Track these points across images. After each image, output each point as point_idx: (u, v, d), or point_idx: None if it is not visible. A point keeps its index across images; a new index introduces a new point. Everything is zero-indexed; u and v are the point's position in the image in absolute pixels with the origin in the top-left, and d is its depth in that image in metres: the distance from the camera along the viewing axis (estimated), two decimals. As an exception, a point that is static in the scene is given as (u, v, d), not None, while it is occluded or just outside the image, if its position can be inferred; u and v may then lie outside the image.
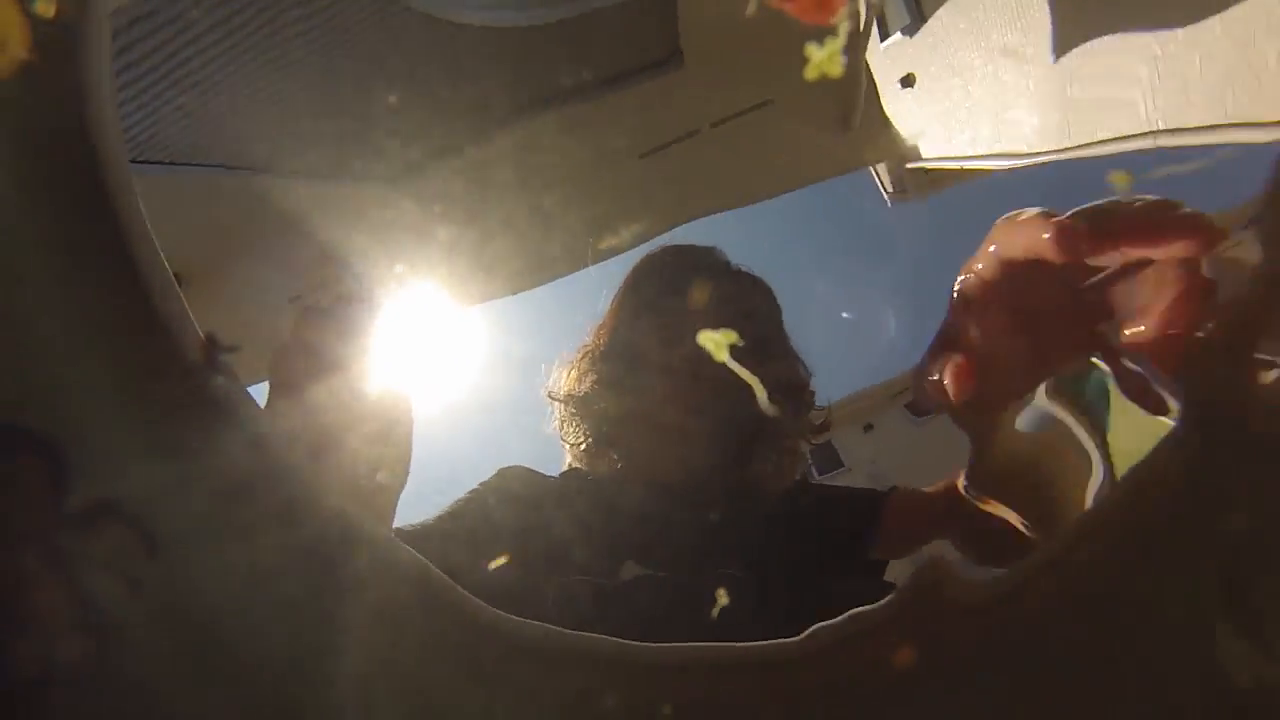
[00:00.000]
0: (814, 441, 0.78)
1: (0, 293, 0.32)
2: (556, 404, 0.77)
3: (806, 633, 0.36)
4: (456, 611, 0.34)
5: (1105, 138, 4.02)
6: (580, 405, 0.74)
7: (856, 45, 5.16)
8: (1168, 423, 0.36)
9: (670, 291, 0.76)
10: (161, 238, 0.35)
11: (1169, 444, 0.34)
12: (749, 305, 0.79)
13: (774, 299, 0.82)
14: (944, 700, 0.34)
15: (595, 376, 0.75)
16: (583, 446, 0.72)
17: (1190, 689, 0.33)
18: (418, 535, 0.64)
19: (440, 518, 0.67)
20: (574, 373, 0.78)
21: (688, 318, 0.73)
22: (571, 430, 0.74)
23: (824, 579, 0.58)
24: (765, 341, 0.77)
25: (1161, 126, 3.56)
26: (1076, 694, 0.34)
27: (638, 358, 0.74)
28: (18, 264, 0.33)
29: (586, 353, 0.79)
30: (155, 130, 2.95)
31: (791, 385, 0.76)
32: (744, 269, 0.82)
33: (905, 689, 0.34)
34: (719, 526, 0.64)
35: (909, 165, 6.44)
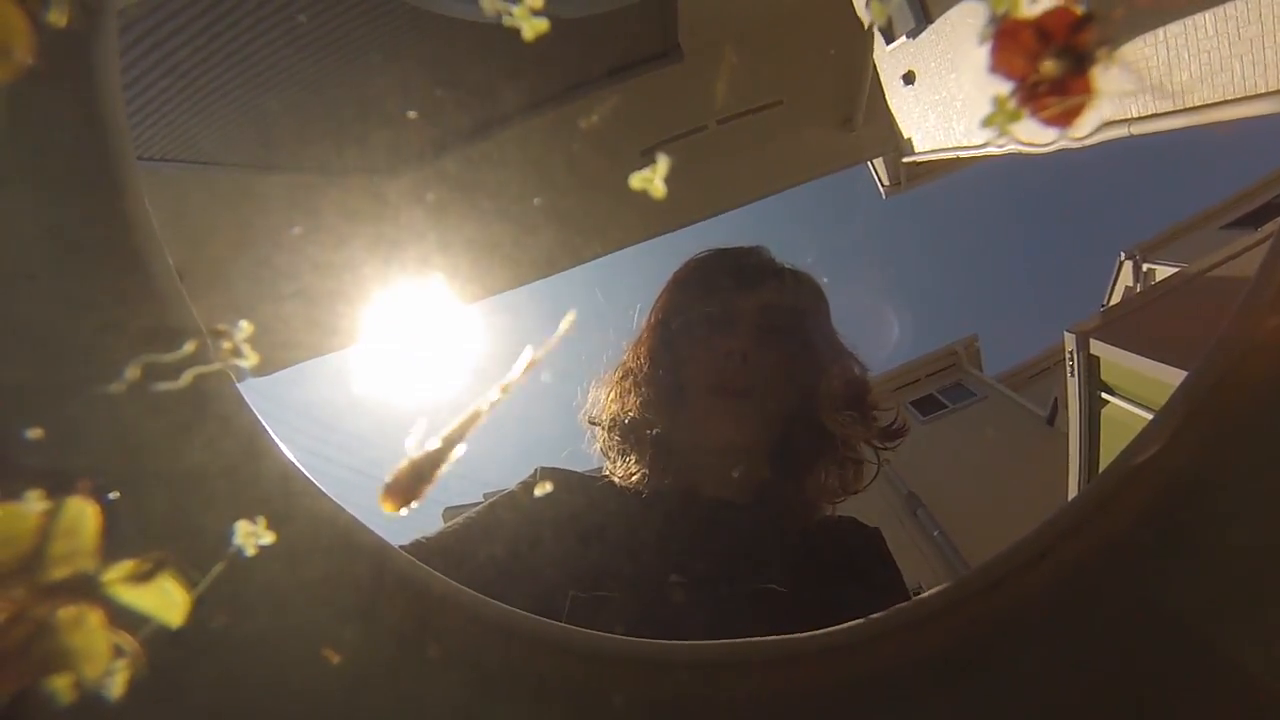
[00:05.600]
0: (884, 448, 0.70)
1: (10, 288, 0.33)
2: (598, 429, 0.72)
3: (860, 621, 0.37)
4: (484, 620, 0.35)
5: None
6: (628, 432, 0.69)
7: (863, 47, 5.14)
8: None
9: (714, 303, 0.70)
10: (164, 233, 0.36)
11: (1147, 438, 0.35)
12: (799, 306, 0.73)
13: (822, 295, 0.75)
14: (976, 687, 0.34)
15: (641, 399, 0.69)
16: (634, 475, 0.67)
17: (1184, 678, 0.33)
18: (448, 538, 0.62)
19: (477, 517, 0.65)
20: (614, 393, 0.72)
21: (737, 329, 0.68)
22: (618, 456, 0.69)
23: (858, 597, 0.56)
24: (816, 342, 0.72)
25: (1135, 115, 3.59)
26: (1069, 690, 0.34)
27: (686, 377, 0.69)
28: (27, 260, 0.33)
29: (628, 372, 0.72)
30: (160, 129, 2.94)
31: (849, 389, 0.69)
32: (790, 266, 0.75)
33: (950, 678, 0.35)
34: (763, 541, 0.62)
35: (906, 159, 6.45)
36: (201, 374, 0.33)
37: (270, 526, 0.32)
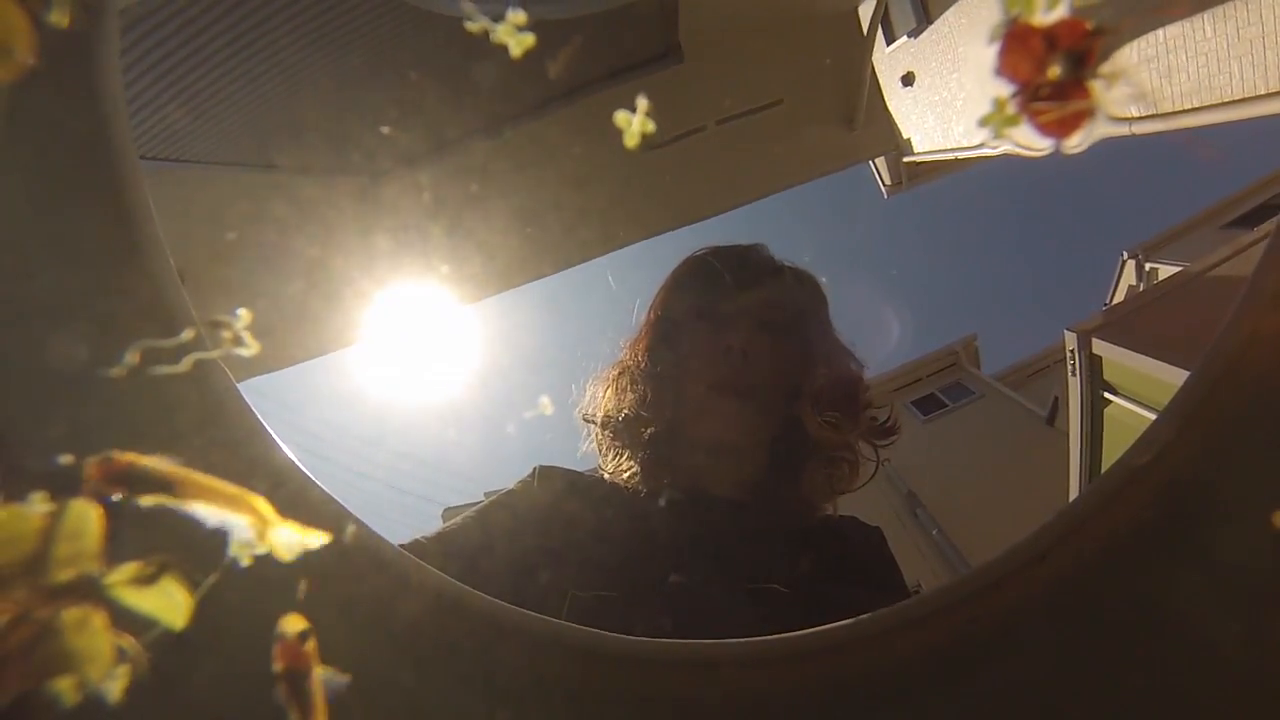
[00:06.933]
0: (878, 444, 0.70)
1: (11, 287, 0.33)
2: (594, 427, 0.71)
3: (863, 617, 0.37)
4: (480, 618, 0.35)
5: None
6: (624, 429, 0.68)
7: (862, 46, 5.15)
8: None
9: (714, 301, 0.71)
10: (165, 233, 0.36)
11: (1149, 439, 0.35)
12: (798, 304, 0.73)
13: (821, 293, 0.75)
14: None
15: (638, 396, 0.69)
16: (627, 473, 0.66)
17: (1185, 678, 0.33)
18: (448, 538, 0.62)
19: (476, 516, 0.64)
20: (611, 391, 0.72)
21: (736, 327, 0.69)
22: (614, 453, 0.69)
23: (859, 597, 0.56)
24: (814, 341, 0.72)
25: (1136, 114, 3.59)
26: (1069, 690, 0.34)
27: (685, 375, 0.69)
28: (29, 260, 0.33)
29: (625, 369, 0.72)
30: (162, 128, 2.94)
31: (842, 388, 0.69)
32: (789, 264, 0.75)
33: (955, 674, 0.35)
34: (762, 540, 0.62)
35: (906, 159, 6.46)
36: (202, 369, 0.33)
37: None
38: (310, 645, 0.31)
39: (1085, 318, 4.64)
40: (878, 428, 0.71)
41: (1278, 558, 0.33)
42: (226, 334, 0.32)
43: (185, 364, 0.32)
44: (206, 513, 0.28)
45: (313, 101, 3.42)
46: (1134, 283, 6.82)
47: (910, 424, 8.01)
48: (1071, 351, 4.69)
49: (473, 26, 0.32)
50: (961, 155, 5.49)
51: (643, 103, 0.35)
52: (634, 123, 0.34)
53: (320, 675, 0.30)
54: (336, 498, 0.36)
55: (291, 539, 0.30)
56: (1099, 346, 4.48)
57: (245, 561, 0.30)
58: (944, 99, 5.44)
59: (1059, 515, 0.36)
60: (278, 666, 0.30)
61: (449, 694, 0.34)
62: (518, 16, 0.32)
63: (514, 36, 0.33)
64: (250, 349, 0.32)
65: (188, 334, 0.32)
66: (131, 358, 0.31)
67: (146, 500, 0.27)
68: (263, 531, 0.29)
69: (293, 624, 0.31)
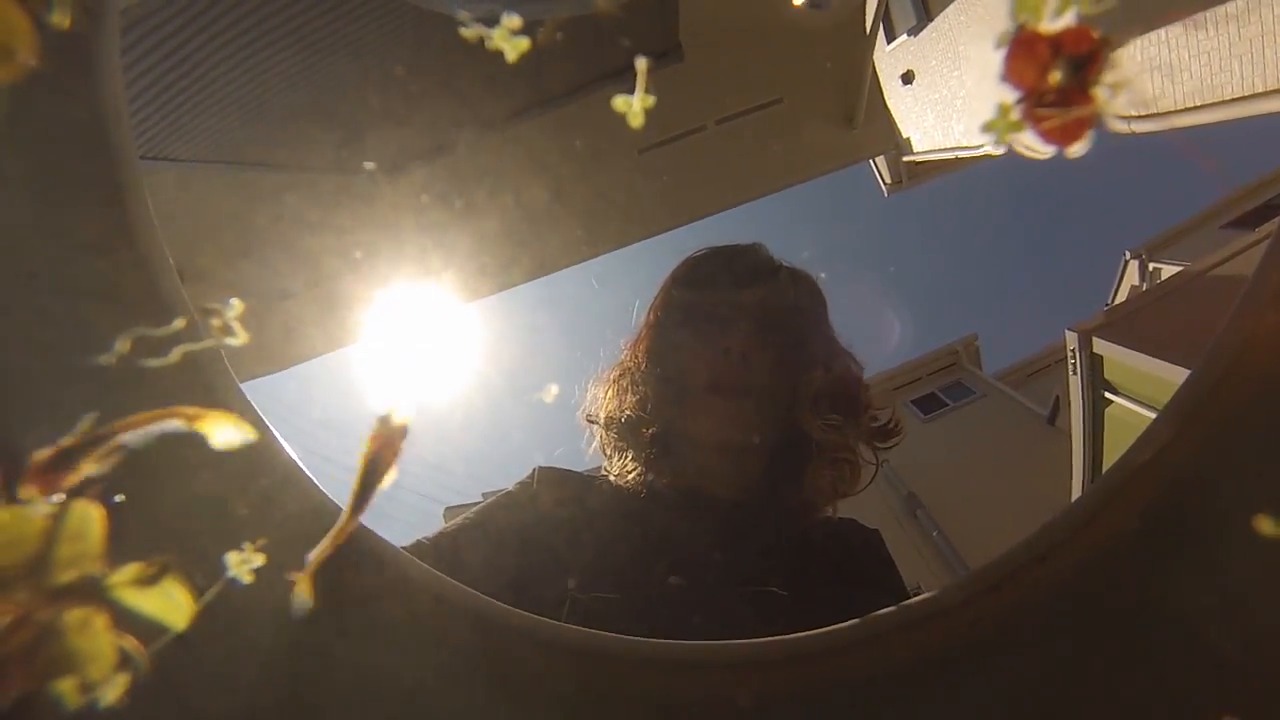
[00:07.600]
0: (880, 447, 0.70)
1: (12, 286, 0.33)
2: (596, 428, 0.72)
3: (864, 619, 0.37)
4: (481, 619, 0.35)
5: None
6: (625, 429, 0.69)
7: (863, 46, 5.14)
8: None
9: (713, 301, 0.71)
10: (164, 233, 0.36)
11: (1149, 438, 0.35)
12: (797, 304, 0.73)
13: (820, 293, 0.76)
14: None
15: (638, 397, 0.70)
16: (630, 473, 0.67)
17: (1185, 678, 0.33)
18: (448, 539, 0.62)
19: (476, 517, 0.65)
20: (612, 392, 0.72)
21: (735, 327, 0.69)
22: (616, 454, 0.70)
23: (858, 599, 0.55)
24: (812, 341, 0.72)
25: (1134, 114, 3.58)
26: (1070, 691, 0.34)
27: (685, 375, 0.69)
28: (29, 259, 0.33)
29: (626, 370, 0.73)
30: (162, 128, 2.94)
31: (842, 390, 0.69)
32: (788, 264, 0.76)
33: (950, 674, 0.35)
34: (762, 541, 0.62)
35: (906, 159, 6.45)
36: (204, 370, 0.33)
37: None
38: (402, 443, 0.31)
39: (1087, 317, 4.64)
40: (879, 429, 0.71)
41: (1277, 557, 0.33)
42: (216, 322, 0.32)
43: (177, 354, 0.32)
44: (139, 435, 0.28)
45: (313, 100, 3.42)
46: (1137, 282, 6.81)
47: (911, 424, 7.99)
48: (1072, 351, 4.69)
49: (467, 33, 0.32)
50: (962, 154, 5.49)
51: (642, 65, 0.34)
52: (634, 103, 0.34)
53: (388, 480, 0.30)
54: (336, 498, 0.36)
55: (222, 430, 0.30)
56: (1100, 346, 4.48)
57: (246, 579, 0.30)
58: (944, 97, 5.44)
59: (1060, 516, 0.36)
60: (367, 446, 0.30)
61: (449, 694, 0.34)
62: (512, 21, 0.32)
63: (509, 41, 0.32)
64: (239, 338, 0.32)
65: (179, 323, 0.32)
66: (123, 346, 0.31)
67: (94, 465, 0.27)
68: (193, 425, 0.29)
69: (400, 417, 0.31)
